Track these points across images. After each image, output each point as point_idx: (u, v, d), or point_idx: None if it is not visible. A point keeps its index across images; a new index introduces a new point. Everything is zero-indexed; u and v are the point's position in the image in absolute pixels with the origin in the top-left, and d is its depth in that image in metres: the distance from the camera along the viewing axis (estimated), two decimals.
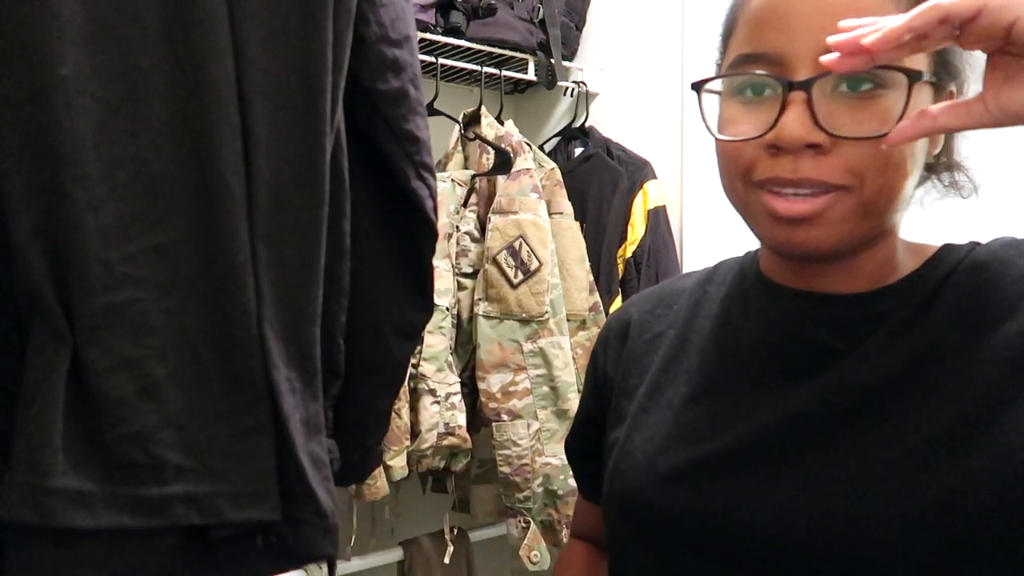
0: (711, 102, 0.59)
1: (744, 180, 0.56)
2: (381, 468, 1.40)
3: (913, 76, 0.50)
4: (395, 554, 1.61)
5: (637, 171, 1.68)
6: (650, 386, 0.68)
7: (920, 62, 0.53)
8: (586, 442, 0.77)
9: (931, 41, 0.45)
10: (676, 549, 0.60)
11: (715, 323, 0.67)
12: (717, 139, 0.58)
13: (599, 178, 1.68)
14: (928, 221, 0.66)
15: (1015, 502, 0.49)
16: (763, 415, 0.58)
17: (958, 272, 0.58)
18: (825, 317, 0.59)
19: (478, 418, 1.53)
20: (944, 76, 0.56)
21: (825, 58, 0.47)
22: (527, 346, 1.48)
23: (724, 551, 0.57)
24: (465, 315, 1.53)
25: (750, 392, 0.60)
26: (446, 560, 1.59)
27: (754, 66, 0.54)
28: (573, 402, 1.48)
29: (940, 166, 0.61)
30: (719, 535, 0.57)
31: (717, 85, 0.59)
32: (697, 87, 0.58)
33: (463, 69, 1.70)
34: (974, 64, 0.60)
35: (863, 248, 0.58)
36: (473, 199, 1.58)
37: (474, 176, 1.58)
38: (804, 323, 0.60)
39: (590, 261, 1.63)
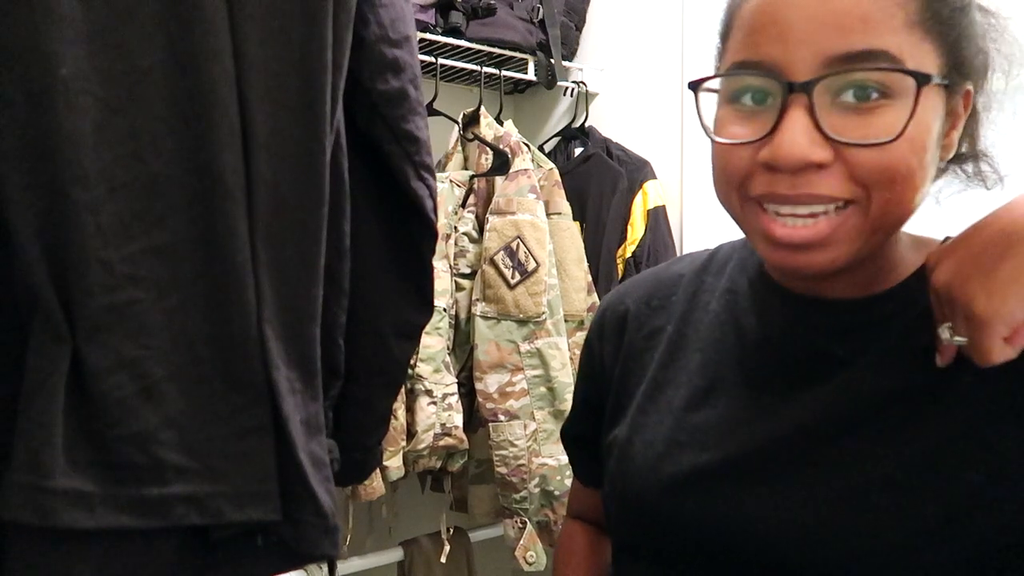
0: (709, 102, 0.56)
1: (739, 193, 0.54)
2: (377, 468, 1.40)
3: (921, 79, 0.47)
4: (395, 554, 1.61)
5: (637, 171, 1.68)
6: (649, 385, 0.67)
7: (929, 63, 0.49)
8: (582, 427, 0.77)
9: None
10: (678, 554, 0.60)
11: (716, 319, 0.65)
12: (714, 141, 0.55)
13: (599, 178, 1.68)
14: (946, 212, 0.62)
15: (1015, 514, 0.49)
16: (765, 425, 0.57)
17: None
18: (827, 323, 0.58)
19: (475, 418, 1.53)
20: (956, 77, 0.52)
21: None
22: (524, 347, 1.47)
23: (726, 560, 0.57)
24: (463, 315, 1.53)
25: (752, 398, 0.59)
26: (442, 559, 1.59)
27: (750, 74, 0.52)
28: (570, 403, 1.48)
29: (963, 157, 0.58)
30: (721, 544, 0.57)
31: (715, 85, 0.56)
32: (694, 87, 0.56)
33: (463, 69, 1.70)
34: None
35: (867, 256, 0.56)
36: (471, 200, 1.57)
37: (472, 177, 1.58)
38: (806, 328, 0.59)
39: (590, 261, 1.63)
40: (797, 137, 0.48)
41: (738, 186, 0.53)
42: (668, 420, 0.63)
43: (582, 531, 0.82)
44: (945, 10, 0.50)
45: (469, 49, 1.65)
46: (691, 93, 0.56)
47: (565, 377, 1.49)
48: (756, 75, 0.51)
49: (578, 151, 1.81)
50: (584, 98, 1.82)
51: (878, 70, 0.47)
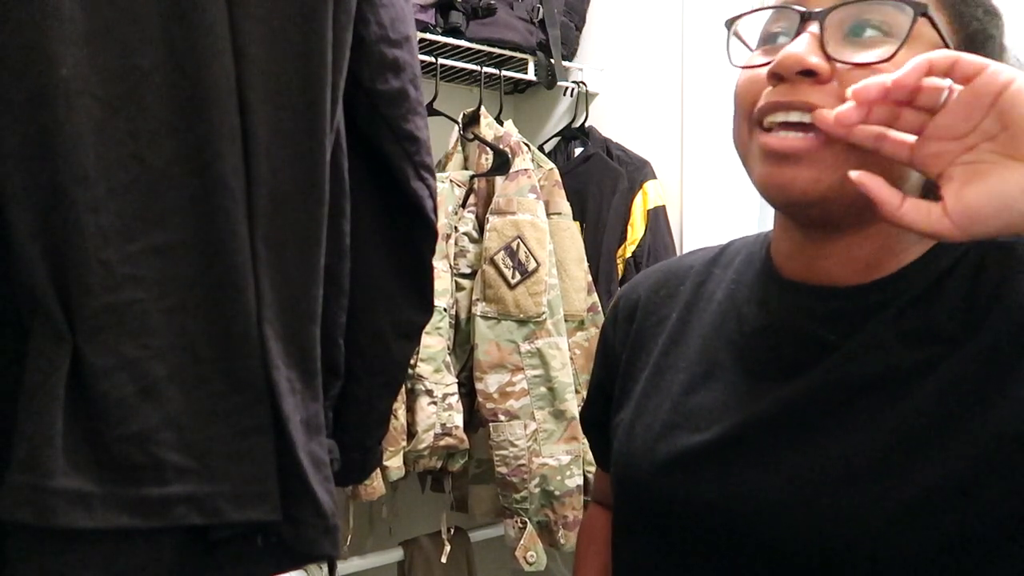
0: (741, 53, 0.61)
1: (749, 121, 0.57)
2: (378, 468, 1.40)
3: (917, 8, 0.51)
4: (395, 554, 1.61)
5: (637, 171, 1.68)
6: (652, 369, 0.69)
7: (940, 24, 0.53)
8: (596, 412, 0.80)
9: (923, 100, 0.45)
10: (673, 534, 0.62)
11: (718, 307, 0.67)
12: (738, 68, 0.59)
13: (599, 178, 1.68)
14: None
15: (994, 499, 0.49)
16: (754, 408, 0.59)
17: (964, 261, 0.56)
18: (821, 310, 0.59)
19: (476, 418, 1.53)
20: None
21: (839, 111, 0.47)
22: (524, 347, 1.47)
23: (714, 538, 0.59)
24: (463, 315, 1.53)
25: (745, 383, 0.61)
26: (443, 559, 1.59)
27: (778, 7, 0.57)
28: (571, 403, 1.48)
29: None
30: (709, 522, 0.59)
31: (752, 41, 0.60)
32: (728, 23, 0.61)
33: (463, 69, 1.70)
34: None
35: (858, 222, 0.56)
36: (471, 200, 1.58)
37: (472, 177, 1.58)
38: (801, 316, 0.60)
39: (589, 261, 1.63)
40: (798, 46, 0.52)
41: (748, 114, 0.57)
42: (667, 404, 0.65)
43: (603, 514, 0.84)
44: (965, 7, 0.55)
45: (469, 49, 1.65)
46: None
47: (565, 377, 1.49)
48: (782, 8, 0.56)
49: (578, 151, 1.81)
50: (584, 98, 1.82)
51: (880, 2, 0.51)
